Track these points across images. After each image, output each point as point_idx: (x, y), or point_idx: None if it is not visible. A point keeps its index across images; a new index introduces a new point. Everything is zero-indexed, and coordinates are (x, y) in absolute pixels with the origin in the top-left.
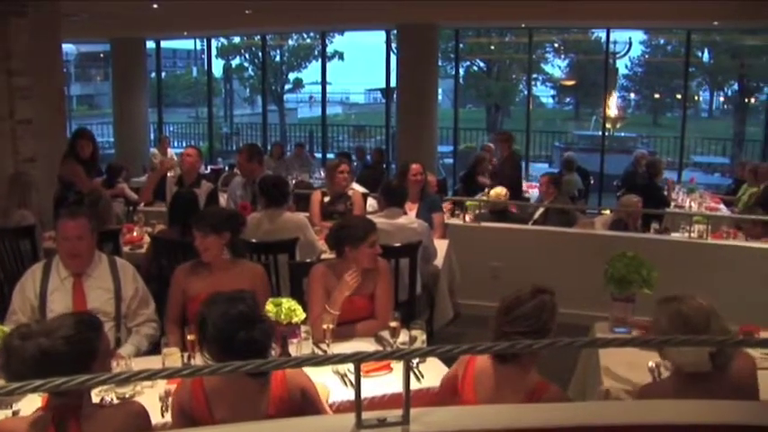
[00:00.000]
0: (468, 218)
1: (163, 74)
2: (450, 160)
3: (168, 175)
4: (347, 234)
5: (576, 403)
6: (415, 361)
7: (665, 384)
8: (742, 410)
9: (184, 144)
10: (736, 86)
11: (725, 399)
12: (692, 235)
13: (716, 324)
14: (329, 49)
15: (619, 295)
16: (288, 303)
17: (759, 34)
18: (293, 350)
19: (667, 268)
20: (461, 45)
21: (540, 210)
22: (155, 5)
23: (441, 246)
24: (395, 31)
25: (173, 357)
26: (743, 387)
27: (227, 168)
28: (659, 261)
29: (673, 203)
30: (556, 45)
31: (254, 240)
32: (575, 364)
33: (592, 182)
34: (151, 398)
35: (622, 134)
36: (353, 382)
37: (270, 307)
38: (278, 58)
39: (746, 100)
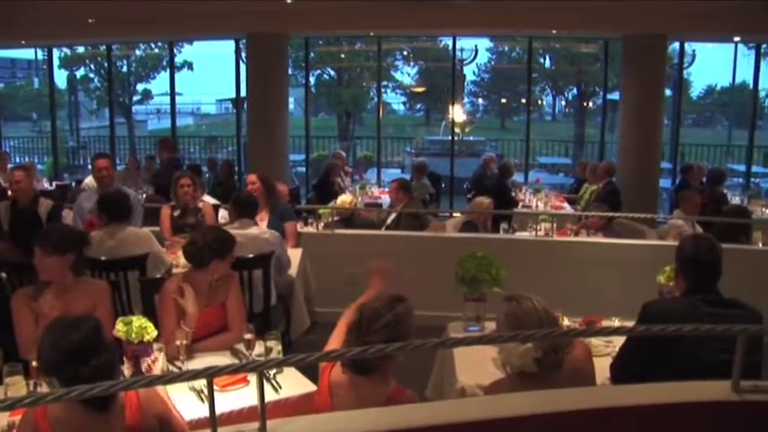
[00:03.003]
0: (321, 226)
1: (1, 85)
2: (303, 168)
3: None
4: (223, 246)
5: (430, 403)
6: (272, 372)
7: (506, 382)
8: (583, 395)
9: (27, 159)
10: (575, 91)
11: (565, 385)
12: (539, 233)
13: (548, 323)
14: (178, 59)
15: (470, 295)
16: (138, 321)
17: (593, 42)
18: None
19: (517, 266)
20: (312, 54)
21: (393, 215)
22: None
23: (294, 255)
24: (244, 41)
25: (16, 387)
26: (580, 371)
27: (74, 184)
28: (509, 260)
29: (520, 204)
30: (405, 53)
31: (103, 258)
32: (432, 365)
33: (443, 185)
34: None
35: (471, 138)
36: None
37: (120, 326)
38: (125, 69)
39: (585, 104)
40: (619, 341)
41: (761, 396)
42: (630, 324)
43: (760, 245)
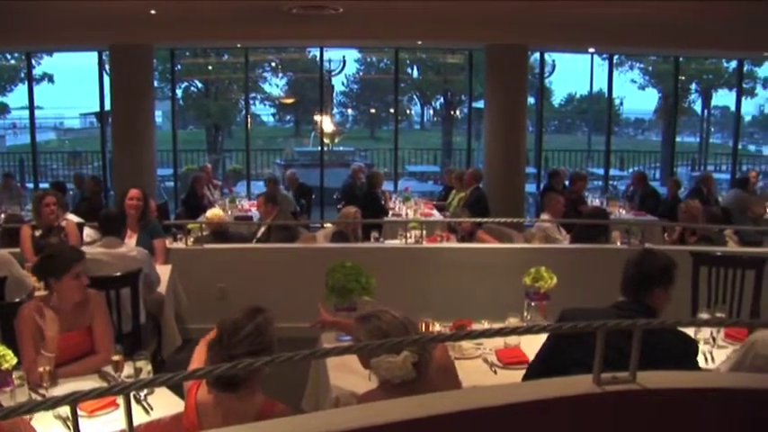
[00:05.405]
0: (190, 241)
1: None
2: (172, 183)
3: None
4: (49, 265)
5: (302, 415)
6: (143, 393)
7: (380, 390)
8: (454, 398)
9: None
10: (442, 100)
11: (437, 383)
12: (409, 240)
13: (412, 328)
14: (37, 71)
15: (341, 305)
16: None
17: (458, 53)
18: (6, 400)
19: (388, 274)
20: (178, 66)
21: (263, 228)
22: None
23: (164, 272)
24: (107, 52)
25: None
26: (446, 366)
27: None
28: (381, 268)
29: (390, 212)
30: (273, 64)
31: None
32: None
33: (314, 196)
34: None
35: (341, 148)
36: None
37: None
38: None
39: (452, 112)
40: (489, 343)
41: (620, 386)
42: (498, 325)
43: (618, 243)
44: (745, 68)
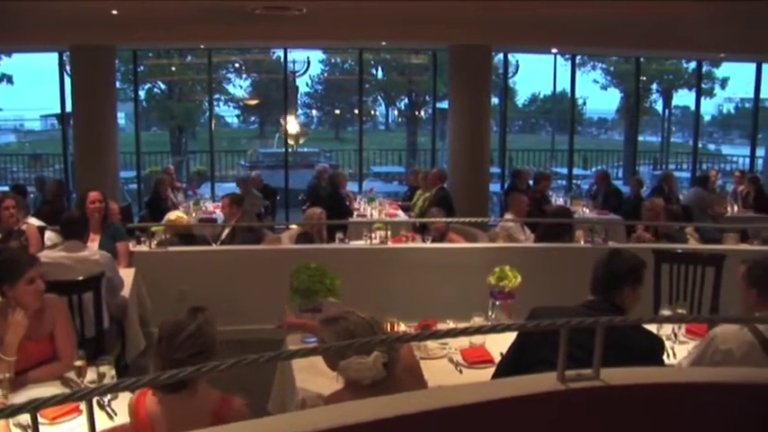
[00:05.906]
0: (153, 244)
1: None
2: (135, 186)
3: None
4: (2, 271)
5: (267, 417)
6: (107, 398)
7: (347, 391)
8: (421, 398)
9: None
10: (407, 101)
11: (404, 382)
12: (374, 241)
13: (378, 328)
14: None
15: (305, 306)
16: None
17: (422, 53)
18: None
19: (354, 275)
20: (141, 67)
21: (227, 230)
22: None
23: (127, 275)
24: (68, 53)
25: None
26: (411, 366)
27: None
28: (346, 269)
29: (355, 213)
30: (237, 65)
31: None
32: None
33: (278, 198)
34: None
35: (306, 149)
36: None
37: None
38: None
39: (416, 113)
40: (454, 343)
41: (584, 383)
42: (463, 325)
43: (582, 242)
44: (703, 69)
